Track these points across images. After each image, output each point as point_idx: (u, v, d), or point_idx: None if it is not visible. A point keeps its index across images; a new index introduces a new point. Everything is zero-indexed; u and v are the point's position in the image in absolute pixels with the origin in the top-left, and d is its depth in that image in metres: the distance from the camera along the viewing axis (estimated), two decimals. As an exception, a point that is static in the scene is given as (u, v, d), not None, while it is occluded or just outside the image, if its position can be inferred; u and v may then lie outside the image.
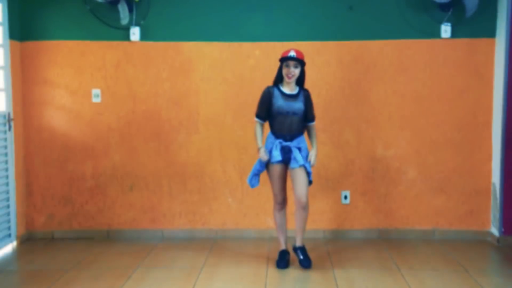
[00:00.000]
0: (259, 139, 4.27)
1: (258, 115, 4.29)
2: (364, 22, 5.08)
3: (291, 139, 4.21)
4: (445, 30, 5.00)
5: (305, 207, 4.21)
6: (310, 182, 4.27)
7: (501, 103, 4.90)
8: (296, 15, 5.10)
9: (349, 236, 5.19)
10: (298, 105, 4.19)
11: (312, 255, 4.45)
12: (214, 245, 5.01)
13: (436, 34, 5.04)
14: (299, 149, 4.21)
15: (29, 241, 5.16)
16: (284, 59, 4.14)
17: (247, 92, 5.13)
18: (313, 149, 4.33)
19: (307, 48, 5.07)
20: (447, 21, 4.98)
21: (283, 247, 4.43)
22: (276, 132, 4.23)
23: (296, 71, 4.14)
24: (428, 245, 4.95)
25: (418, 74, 5.09)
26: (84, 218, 5.26)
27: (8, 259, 4.65)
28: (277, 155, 4.17)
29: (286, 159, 4.20)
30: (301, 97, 4.23)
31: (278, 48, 5.06)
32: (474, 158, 5.13)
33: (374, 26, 5.08)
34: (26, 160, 5.20)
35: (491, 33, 5.02)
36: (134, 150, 5.21)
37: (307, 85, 4.93)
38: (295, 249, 4.37)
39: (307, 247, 4.46)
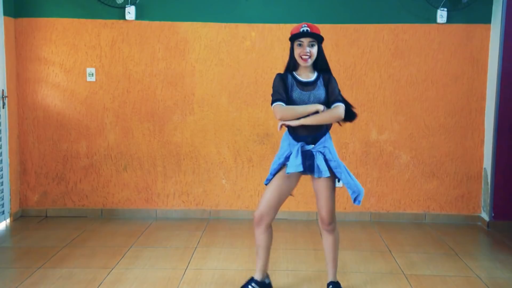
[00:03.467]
0: (304, 107, 3.15)
1: (278, 99, 3.18)
2: (361, 6, 5.08)
3: (313, 141, 3.20)
4: (441, 15, 5.00)
5: (330, 230, 3.29)
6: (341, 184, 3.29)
7: (495, 89, 4.94)
8: (293, -3, 5.09)
9: (342, 218, 5.23)
10: (319, 94, 3.18)
11: (305, 236, 4.50)
12: (207, 225, 5.04)
13: (432, 19, 5.05)
14: (323, 154, 3.20)
15: (22, 219, 5.17)
16: (296, 37, 3.17)
17: (243, 73, 5.13)
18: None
19: (304, 31, 5.06)
20: (443, 6, 4.98)
21: (256, 276, 3.43)
22: (294, 133, 3.22)
23: (313, 51, 3.17)
24: (419, 229, 5.02)
25: (414, 59, 5.11)
26: (78, 196, 5.27)
27: (1, 236, 4.66)
28: (297, 165, 3.13)
29: (307, 167, 3.19)
30: (320, 83, 3.21)
31: (274, 30, 5.07)
32: (466, 143, 5.17)
33: (371, 10, 5.08)
34: (20, 138, 5.19)
35: (487, 19, 5.04)
36: (129, 130, 5.20)
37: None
38: (327, 285, 3.46)
39: (300, 228, 4.50)
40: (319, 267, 3.94)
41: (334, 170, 3.20)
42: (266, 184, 3.33)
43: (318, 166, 3.16)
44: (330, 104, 3.19)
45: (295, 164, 3.14)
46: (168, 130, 5.20)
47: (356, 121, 5.07)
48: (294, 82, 3.21)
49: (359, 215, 5.26)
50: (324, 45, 5.04)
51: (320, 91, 3.19)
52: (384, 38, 5.09)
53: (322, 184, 3.23)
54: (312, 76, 3.23)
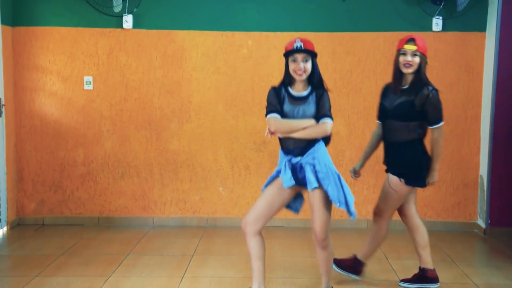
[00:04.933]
0: (298, 121, 3.18)
1: (272, 110, 3.22)
2: (357, 14, 5.11)
3: (301, 153, 3.20)
4: (437, 23, 5.04)
5: (323, 246, 3.29)
6: (334, 204, 3.23)
7: (490, 96, 4.96)
8: (289, 6, 5.12)
9: (338, 225, 5.24)
10: (308, 110, 3.19)
11: (302, 244, 4.49)
12: (204, 233, 5.04)
13: (428, 27, 5.08)
14: (313, 165, 3.18)
15: (19, 227, 5.16)
16: (290, 53, 3.19)
17: (239, 81, 5.15)
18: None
19: (300, 39, 5.09)
20: (439, 14, 5.02)
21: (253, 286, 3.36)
22: (283, 147, 3.27)
23: (307, 66, 3.17)
24: (415, 236, 5.01)
25: (409, 66, 5.13)
26: (75, 204, 5.27)
27: (-2, 245, 4.67)
28: (289, 179, 3.19)
29: (300, 180, 3.21)
30: (312, 99, 3.22)
31: (271, 38, 5.10)
32: (462, 150, 5.19)
33: (367, 18, 5.11)
34: (17, 146, 5.19)
35: (482, 27, 5.07)
36: (126, 138, 5.21)
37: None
38: None
39: (297, 236, 4.50)
40: (315, 274, 3.94)
41: (321, 182, 3.17)
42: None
43: (308, 178, 3.16)
44: (318, 119, 3.18)
45: (286, 178, 3.19)
46: (165, 138, 5.21)
47: (353, 128, 5.15)
48: (286, 96, 3.24)
49: (355, 222, 5.26)
50: (320, 53, 5.06)
51: (310, 107, 3.20)
52: (380, 46, 5.12)
53: (314, 197, 3.21)
54: (305, 91, 3.24)
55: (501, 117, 4.95)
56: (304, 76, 3.19)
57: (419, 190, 5.19)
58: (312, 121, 3.16)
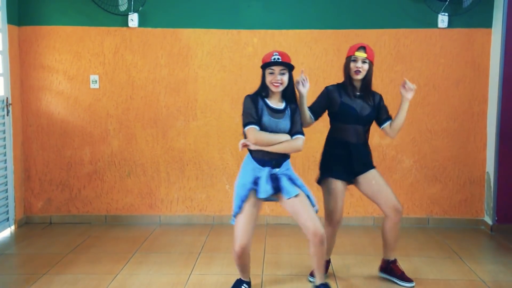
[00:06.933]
0: (277, 136, 3.26)
1: (251, 122, 3.25)
2: (362, 11, 5.10)
3: (277, 165, 3.30)
4: (442, 20, 5.03)
5: (323, 241, 3.28)
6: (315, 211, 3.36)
7: (497, 93, 4.95)
8: (294, 3, 5.11)
9: (345, 223, 5.23)
10: (285, 124, 3.29)
11: (308, 241, 4.48)
12: (211, 231, 5.05)
13: (433, 24, 5.07)
14: (289, 177, 3.33)
15: (27, 226, 5.19)
16: (267, 65, 3.25)
17: (245, 79, 5.15)
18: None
19: (305, 37, 5.10)
20: (444, 11, 5.01)
21: (244, 278, 3.55)
22: (259, 157, 3.29)
23: (284, 78, 3.24)
24: (422, 233, 5.02)
25: (415, 63, 5.13)
26: (82, 203, 5.29)
27: (6, 243, 4.68)
28: (268, 190, 3.25)
29: (275, 190, 3.30)
30: (287, 113, 3.32)
31: (277, 36, 5.10)
32: (469, 147, 5.18)
33: (372, 15, 5.10)
34: (24, 145, 5.22)
35: (488, 24, 5.06)
36: (132, 136, 5.23)
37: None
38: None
39: (303, 233, 4.47)
40: (323, 271, 3.95)
41: (302, 188, 3.36)
42: (237, 215, 3.30)
43: (284, 187, 3.28)
44: (292, 134, 3.31)
45: (266, 189, 3.25)
46: (171, 136, 5.23)
47: (359, 125, 5.13)
48: (265, 107, 3.28)
49: (362, 219, 5.27)
50: (326, 50, 5.13)
51: (287, 121, 3.31)
52: (386, 43, 5.12)
53: (297, 202, 3.29)
54: (281, 105, 3.33)
55: (508, 113, 4.93)
56: (281, 88, 3.26)
57: (425, 186, 5.22)
58: (288, 136, 3.30)
